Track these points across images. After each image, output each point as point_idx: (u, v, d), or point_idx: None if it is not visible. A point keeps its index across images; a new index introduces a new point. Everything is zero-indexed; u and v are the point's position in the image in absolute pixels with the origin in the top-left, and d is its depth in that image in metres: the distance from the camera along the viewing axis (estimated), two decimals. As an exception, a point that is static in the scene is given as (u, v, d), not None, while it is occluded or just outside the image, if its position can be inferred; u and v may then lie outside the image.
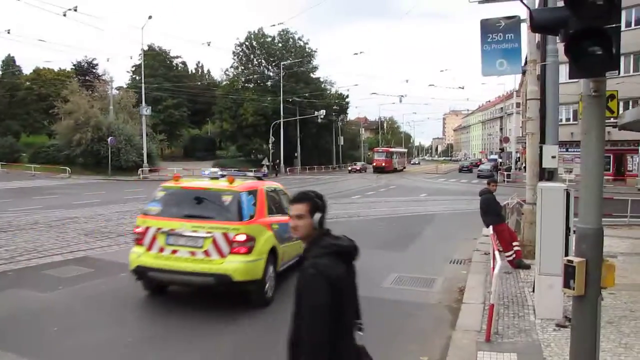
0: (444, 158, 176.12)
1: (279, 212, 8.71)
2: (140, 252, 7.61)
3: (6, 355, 5.57)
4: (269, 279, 7.87)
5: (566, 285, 4.12)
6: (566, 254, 6.39)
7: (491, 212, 10.38)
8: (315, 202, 2.83)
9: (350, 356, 2.73)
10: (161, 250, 7.49)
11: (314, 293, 2.61)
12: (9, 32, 54.44)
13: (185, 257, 7.35)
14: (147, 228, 7.63)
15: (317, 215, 2.79)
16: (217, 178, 8.47)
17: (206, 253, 7.34)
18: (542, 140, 9.92)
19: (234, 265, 7.23)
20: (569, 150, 39.82)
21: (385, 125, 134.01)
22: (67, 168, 44.62)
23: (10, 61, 67.60)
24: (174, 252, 7.43)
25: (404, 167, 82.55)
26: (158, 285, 8.09)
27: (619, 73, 3.98)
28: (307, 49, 73.82)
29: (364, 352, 2.86)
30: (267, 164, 60.42)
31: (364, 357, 2.86)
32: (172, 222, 7.54)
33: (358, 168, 71.69)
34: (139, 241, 7.72)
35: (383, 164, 69.09)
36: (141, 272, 7.61)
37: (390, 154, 74.55)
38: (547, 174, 9.62)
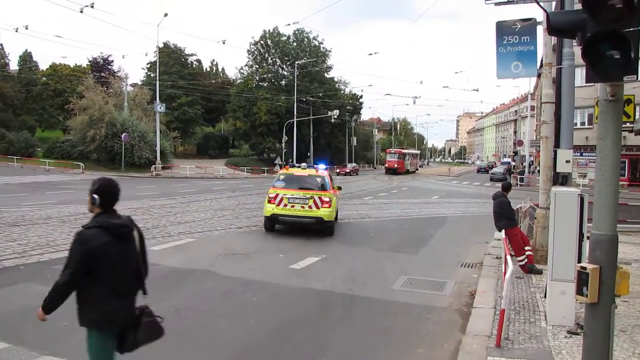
0: (456, 160, 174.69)
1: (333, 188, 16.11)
2: (273, 206, 14.44)
3: (15, 349, 5.61)
4: (335, 221, 15.41)
5: (579, 292, 4.07)
6: (579, 260, 6.32)
7: (504, 215, 10.27)
8: (92, 187, 3.80)
9: (123, 312, 3.80)
10: (285, 205, 14.39)
11: (71, 253, 3.69)
12: (26, 28, 55.27)
13: (298, 209, 14.34)
14: (277, 194, 14.45)
15: (93, 196, 3.76)
16: (306, 168, 15.97)
17: (309, 207, 14.29)
18: (557, 144, 9.81)
19: (324, 213, 14.29)
20: (584, 154, 39.42)
21: (398, 126, 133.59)
22: (81, 163, 44.94)
23: (27, 57, 68.18)
24: (293, 206, 14.38)
25: (416, 169, 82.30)
26: (273, 225, 14.87)
27: (637, 77, 3.92)
28: (321, 49, 73.71)
29: (146, 311, 3.91)
30: (280, 162, 60.53)
31: (145, 316, 3.88)
32: (292, 191, 14.56)
33: (348, 170, 65.00)
34: (271, 201, 14.49)
35: (395, 165, 68.56)
36: (274, 217, 14.53)
37: (403, 155, 73.75)
38: (561, 179, 9.51)
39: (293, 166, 17.10)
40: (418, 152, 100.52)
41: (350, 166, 69.34)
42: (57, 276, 3.74)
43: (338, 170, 64.31)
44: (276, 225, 15.01)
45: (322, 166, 16.73)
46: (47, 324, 6.54)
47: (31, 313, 6.92)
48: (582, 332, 5.20)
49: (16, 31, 41.06)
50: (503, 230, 9.82)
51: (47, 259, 10.15)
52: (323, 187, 14.72)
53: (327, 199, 14.33)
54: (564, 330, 6.52)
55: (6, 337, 5.91)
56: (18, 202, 19.63)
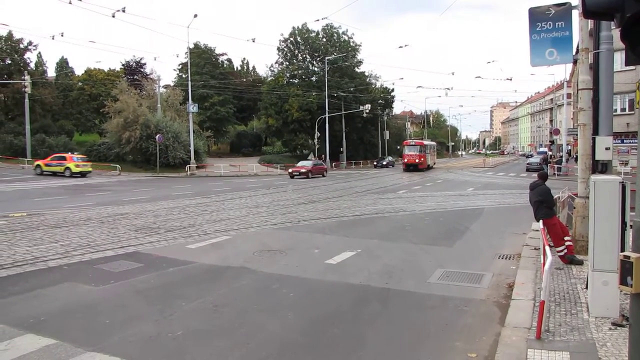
0: (491, 151, 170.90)
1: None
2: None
3: (62, 345, 5.78)
4: None
5: (623, 282, 3.96)
6: (622, 250, 6.14)
7: (546, 203, 10.00)
8: None
9: None
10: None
11: None
12: (62, 35, 56.91)
13: None
14: None
15: None
16: None
17: None
18: (595, 132, 9.55)
19: None
20: (625, 141, 38.29)
21: (431, 118, 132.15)
22: (118, 165, 46.01)
23: (63, 63, 69.98)
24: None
25: (434, 163, 70.51)
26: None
27: (680, 59, 3.77)
28: (351, 44, 73.53)
29: None
30: (313, 159, 60.69)
31: None
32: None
33: (304, 170, 45.29)
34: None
35: (416, 160, 56.70)
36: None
37: (425, 147, 61.07)
38: (600, 166, 9.27)
39: None
40: (435, 144, 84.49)
41: (309, 164, 47.88)
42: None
43: (291, 170, 46.65)
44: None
45: None
46: (90, 322, 6.78)
47: (75, 310, 7.19)
48: (627, 323, 5.06)
49: (52, 39, 42.71)
50: (541, 221, 9.61)
51: (88, 259, 10.41)
52: None
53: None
54: (607, 322, 6.34)
55: (54, 334, 6.11)
56: (59, 204, 20.18)
